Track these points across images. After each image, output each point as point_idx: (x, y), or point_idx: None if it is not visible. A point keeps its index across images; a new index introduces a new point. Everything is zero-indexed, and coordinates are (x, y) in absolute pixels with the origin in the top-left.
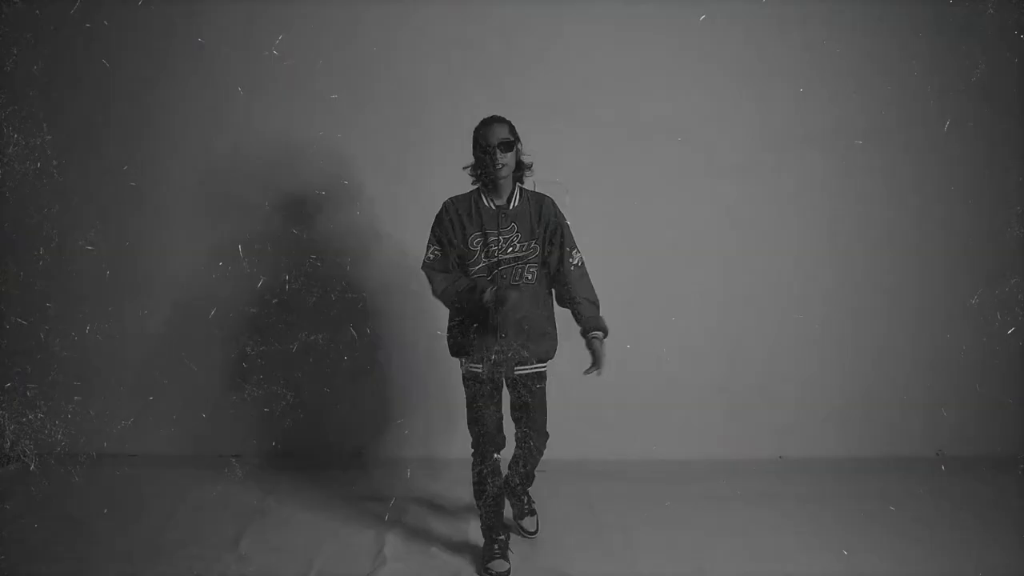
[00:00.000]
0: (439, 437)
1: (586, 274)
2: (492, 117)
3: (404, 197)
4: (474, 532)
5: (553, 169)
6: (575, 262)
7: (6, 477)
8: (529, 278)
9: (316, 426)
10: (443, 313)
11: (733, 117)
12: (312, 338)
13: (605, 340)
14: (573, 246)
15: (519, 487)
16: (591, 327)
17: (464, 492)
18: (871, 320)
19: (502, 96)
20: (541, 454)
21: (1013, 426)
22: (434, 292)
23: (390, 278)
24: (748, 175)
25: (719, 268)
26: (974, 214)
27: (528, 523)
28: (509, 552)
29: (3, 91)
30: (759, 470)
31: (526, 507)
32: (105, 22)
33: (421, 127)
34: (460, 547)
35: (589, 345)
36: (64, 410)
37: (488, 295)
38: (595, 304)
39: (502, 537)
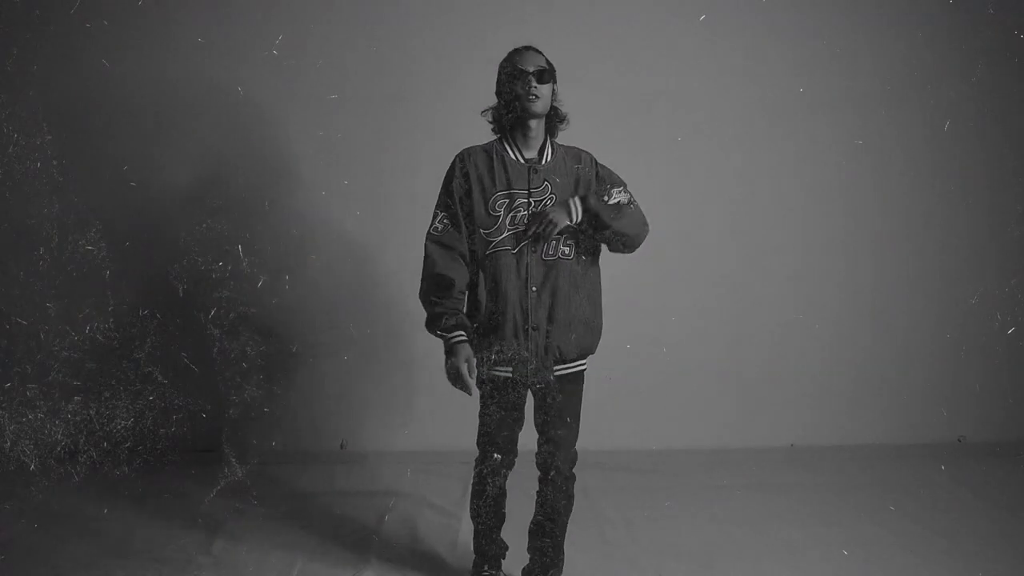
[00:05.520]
0: (438, 434)
1: (629, 211)
2: (525, 46)
3: (405, 197)
4: (466, 531)
5: None
6: (623, 199)
7: (6, 477)
8: (566, 252)
9: (317, 425)
10: None
11: (733, 115)
12: (313, 338)
13: (576, 213)
14: (623, 187)
15: (547, 544)
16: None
17: (457, 488)
18: (870, 320)
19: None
20: (571, 484)
21: (1014, 423)
22: (421, 290)
23: (390, 277)
24: (749, 173)
25: (725, 258)
26: (974, 214)
27: None
28: (502, 574)
29: (3, 91)
30: (769, 459)
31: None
32: (105, 22)
33: (424, 126)
34: (452, 548)
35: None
36: (64, 410)
37: (449, 368)
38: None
39: (494, 552)
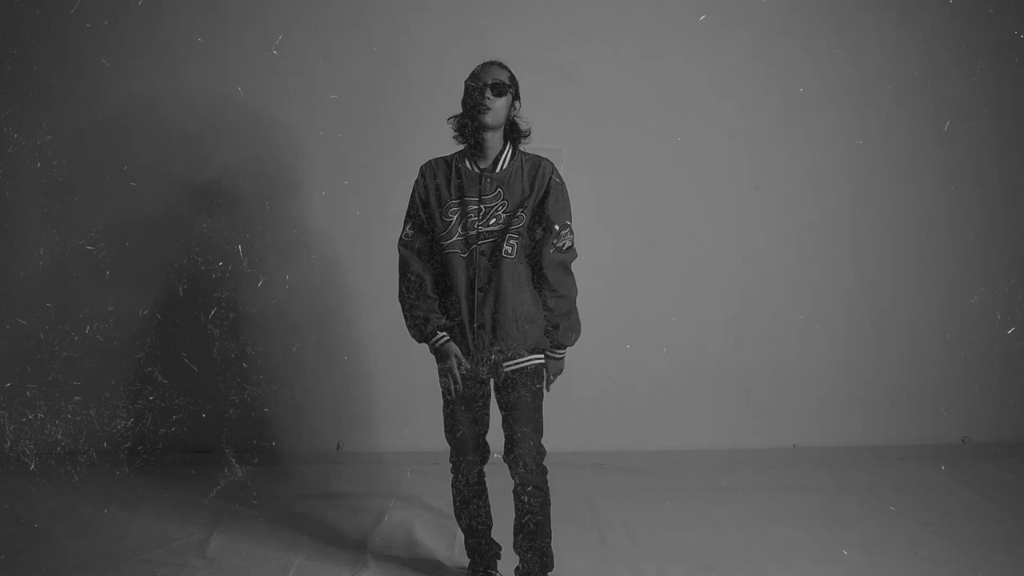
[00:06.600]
0: (437, 435)
1: (567, 262)
2: (491, 60)
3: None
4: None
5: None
6: (560, 244)
7: (6, 477)
8: (509, 251)
9: (316, 426)
10: None
11: (734, 116)
12: (313, 337)
13: (563, 355)
14: (564, 224)
15: (528, 544)
16: (550, 341)
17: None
18: (870, 320)
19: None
20: (542, 479)
21: (1015, 424)
22: (399, 292)
23: (391, 277)
24: (749, 173)
25: (725, 258)
26: (974, 214)
27: None
28: (498, 574)
29: (3, 91)
30: (771, 460)
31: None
32: (105, 22)
33: (424, 126)
34: (450, 549)
35: (544, 363)
36: (64, 410)
37: (445, 370)
38: (565, 299)
39: (489, 553)
